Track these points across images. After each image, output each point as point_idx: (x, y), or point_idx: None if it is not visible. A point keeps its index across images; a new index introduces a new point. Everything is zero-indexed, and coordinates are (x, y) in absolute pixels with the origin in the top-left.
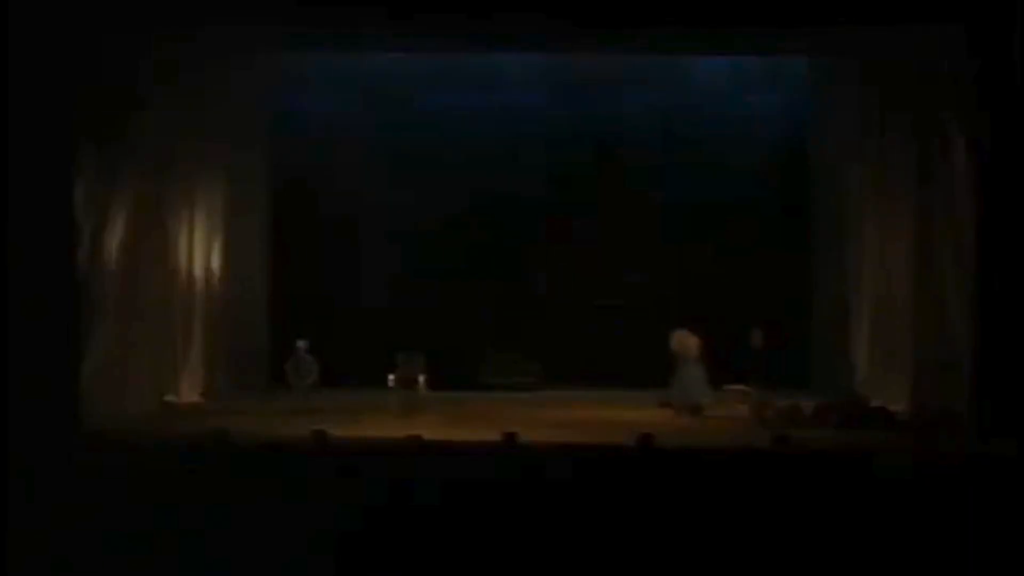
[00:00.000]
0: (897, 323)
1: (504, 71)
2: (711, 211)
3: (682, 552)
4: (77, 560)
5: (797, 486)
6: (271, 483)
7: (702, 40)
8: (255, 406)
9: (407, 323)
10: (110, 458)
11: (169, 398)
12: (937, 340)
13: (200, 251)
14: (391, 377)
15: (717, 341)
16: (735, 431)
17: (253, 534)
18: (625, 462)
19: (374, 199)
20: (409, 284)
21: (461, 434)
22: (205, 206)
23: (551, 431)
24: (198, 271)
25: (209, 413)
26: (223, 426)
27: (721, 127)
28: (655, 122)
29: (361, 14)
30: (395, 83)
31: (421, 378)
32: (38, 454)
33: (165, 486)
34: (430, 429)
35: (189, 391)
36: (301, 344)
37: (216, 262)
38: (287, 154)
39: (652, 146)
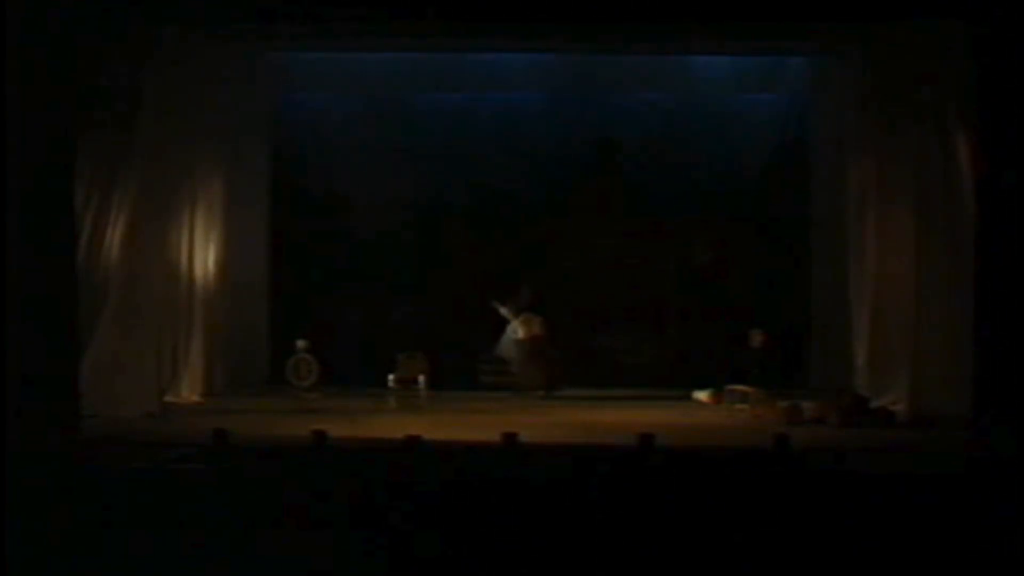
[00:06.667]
0: (897, 323)
1: (504, 71)
2: (711, 210)
3: (682, 552)
4: (76, 560)
5: (797, 486)
6: (271, 483)
7: (702, 40)
8: (255, 406)
9: (407, 323)
10: (110, 458)
11: (169, 398)
12: (937, 340)
13: (200, 251)
14: (391, 377)
15: (717, 341)
16: (735, 431)
17: (253, 534)
18: (625, 462)
19: (374, 198)
20: (409, 284)
21: (461, 434)
22: (205, 206)
23: (551, 431)
24: (198, 270)
25: (209, 413)
26: (223, 426)
27: (721, 127)
28: (655, 122)
29: (361, 13)
30: (395, 83)
31: (421, 378)
32: (37, 454)
33: (165, 486)
34: (430, 429)
35: (189, 391)
36: (301, 344)
37: (216, 262)
38: (287, 153)
39: (652, 146)
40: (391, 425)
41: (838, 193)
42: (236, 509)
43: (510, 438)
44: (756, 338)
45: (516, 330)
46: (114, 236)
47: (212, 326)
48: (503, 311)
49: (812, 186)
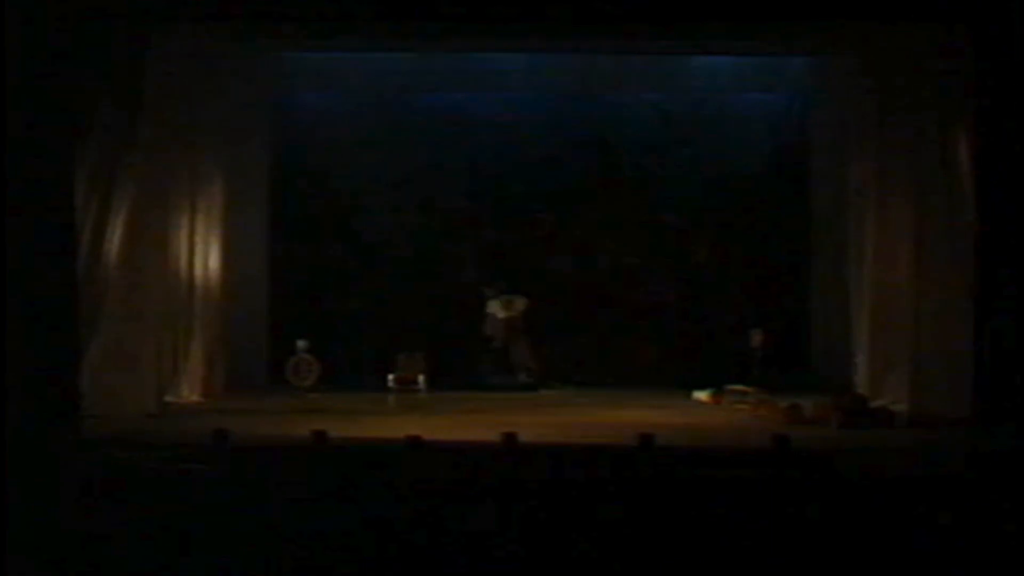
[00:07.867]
0: (897, 323)
1: (504, 71)
2: (711, 211)
3: (682, 552)
4: (76, 561)
5: (797, 486)
6: (271, 483)
7: (702, 40)
8: (255, 406)
9: (407, 323)
10: (110, 458)
11: (169, 398)
12: (937, 340)
13: (200, 250)
14: (391, 377)
15: (717, 341)
16: (735, 431)
17: (253, 534)
18: (625, 462)
19: (374, 198)
20: (409, 283)
21: (461, 434)
22: (205, 206)
23: (551, 431)
24: (198, 270)
25: (209, 413)
26: (223, 426)
27: (721, 127)
28: (655, 122)
29: (361, 14)
30: (395, 83)
31: (421, 378)
32: (38, 454)
33: (165, 486)
34: (430, 429)
35: (189, 391)
36: (301, 344)
37: (216, 261)
38: (287, 153)
39: (652, 146)
40: (391, 425)
41: (838, 192)
42: (236, 509)
43: (510, 438)
44: (756, 338)
45: (498, 309)
46: (114, 236)
47: (212, 326)
48: (486, 291)
49: (812, 186)
